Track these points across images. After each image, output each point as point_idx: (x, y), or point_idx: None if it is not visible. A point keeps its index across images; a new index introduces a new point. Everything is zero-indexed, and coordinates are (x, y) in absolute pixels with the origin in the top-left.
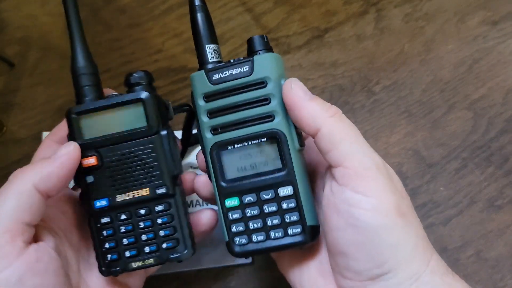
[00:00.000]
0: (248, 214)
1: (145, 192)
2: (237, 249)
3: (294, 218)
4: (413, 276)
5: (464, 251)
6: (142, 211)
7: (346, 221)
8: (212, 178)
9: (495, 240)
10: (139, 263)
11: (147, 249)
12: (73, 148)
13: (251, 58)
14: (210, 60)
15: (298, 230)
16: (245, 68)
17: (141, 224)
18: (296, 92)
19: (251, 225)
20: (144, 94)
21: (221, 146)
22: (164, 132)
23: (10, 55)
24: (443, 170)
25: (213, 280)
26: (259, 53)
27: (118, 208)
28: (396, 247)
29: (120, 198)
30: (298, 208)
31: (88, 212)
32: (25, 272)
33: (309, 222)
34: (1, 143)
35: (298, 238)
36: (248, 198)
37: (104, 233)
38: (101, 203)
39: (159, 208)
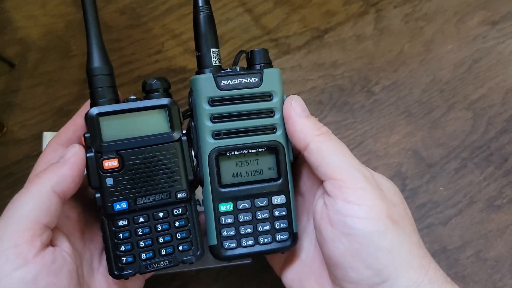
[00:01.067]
0: (241, 220)
1: (165, 196)
2: (226, 253)
3: (283, 225)
4: (412, 285)
5: (463, 251)
6: (161, 214)
7: (340, 231)
8: (206, 182)
9: (495, 240)
10: (154, 265)
11: (163, 251)
12: (78, 149)
13: (261, 71)
14: (213, 64)
15: (285, 236)
16: (255, 79)
17: (159, 227)
18: (295, 107)
19: (242, 230)
20: (168, 100)
21: (221, 151)
22: (184, 138)
23: (11, 56)
24: (442, 170)
25: (213, 280)
26: (261, 66)
27: (137, 211)
28: (390, 252)
29: (140, 201)
30: (288, 216)
31: (104, 214)
32: (40, 272)
33: (295, 229)
34: (1, 143)
35: (285, 244)
36: (243, 204)
37: (121, 235)
38: (121, 205)
39: (177, 211)
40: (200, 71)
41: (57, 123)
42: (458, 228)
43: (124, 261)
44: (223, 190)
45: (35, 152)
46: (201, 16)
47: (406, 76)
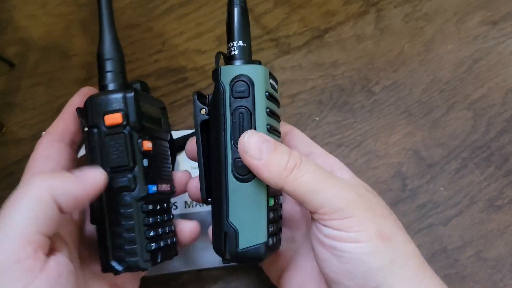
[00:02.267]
0: (276, 215)
1: (170, 187)
2: (268, 252)
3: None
4: None
5: (464, 251)
6: (165, 205)
7: (331, 253)
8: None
9: (495, 240)
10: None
11: (169, 241)
12: (103, 177)
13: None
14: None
15: None
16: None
17: (165, 217)
18: (252, 155)
19: (274, 227)
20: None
21: None
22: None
23: (10, 55)
24: (443, 170)
25: (213, 280)
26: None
27: (156, 196)
28: (383, 270)
29: (161, 188)
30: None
31: (135, 197)
32: (48, 287)
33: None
34: (1, 143)
35: None
36: (277, 200)
37: (151, 220)
38: (152, 189)
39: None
40: (251, 61)
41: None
42: (458, 228)
43: (153, 247)
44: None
45: None
46: (243, 7)
47: (406, 76)
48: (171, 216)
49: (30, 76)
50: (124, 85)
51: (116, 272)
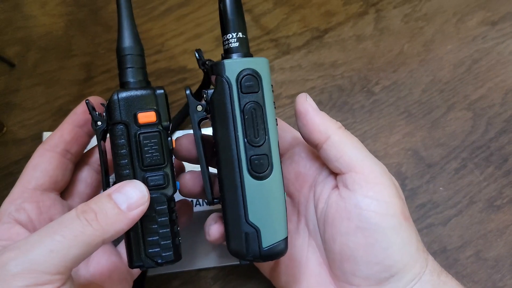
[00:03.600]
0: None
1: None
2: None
3: None
4: (416, 277)
5: (463, 251)
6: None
7: (356, 225)
8: (277, 170)
9: (495, 240)
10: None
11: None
12: (146, 198)
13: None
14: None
15: None
16: None
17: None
18: (310, 103)
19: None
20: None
21: None
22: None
23: (10, 55)
24: (442, 170)
25: (213, 280)
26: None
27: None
28: (402, 248)
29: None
30: None
31: (168, 195)
32: None
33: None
34: (1, 143)
35: None
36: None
37: (174, 216)
38: (178, 186)
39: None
40: (249, 53)
41: (57, 123)
42: (458, 228)
43: (178, 242)
44: None
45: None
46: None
47: (406, 76)
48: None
49: (30, 76)
50: (146, 81)
51: (149, 267)
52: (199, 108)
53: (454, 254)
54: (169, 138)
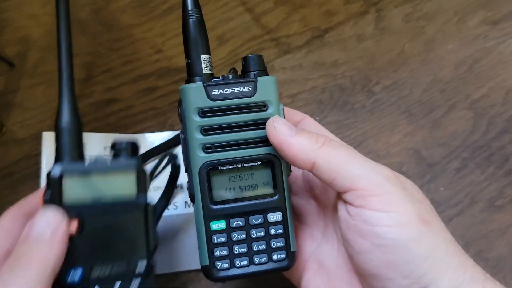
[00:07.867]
0: (234, 239)
1: (123, 265)
2: (219, 274)
3: (280, 244)
4: (453, 286)
5: (465, 251)
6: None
7: (371, 242)
8: (197, 198)
9: (496, 240)
10: None
11: None
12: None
13: (255, 79)
14: (204, 72)
15: (283, 256)
16: (248, 88)
17: None
18: (281, 130)
19: (236, 250)
20: (136, 163)
21: (212, 166)
22: (151, 205)
23: (10, 55)
24: (443, 170)
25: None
26: (255, 74)
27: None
28: (428, 257)
29: (97, 271)
30: (285, 234)
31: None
32: None
33: (292, 248)
34: (1, 143)
35: (282, 264)
36: (236, 222)
37: None
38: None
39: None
40: (190, 79)
41: None
42: (459, 228)
43: None
44: (215, 207)
45: (35, 152)
46: (191, 20)
47: (407, 75)
48: None
49: (30, 76)
50: (80, 157)
51: None
52: None
53: None
54: None
